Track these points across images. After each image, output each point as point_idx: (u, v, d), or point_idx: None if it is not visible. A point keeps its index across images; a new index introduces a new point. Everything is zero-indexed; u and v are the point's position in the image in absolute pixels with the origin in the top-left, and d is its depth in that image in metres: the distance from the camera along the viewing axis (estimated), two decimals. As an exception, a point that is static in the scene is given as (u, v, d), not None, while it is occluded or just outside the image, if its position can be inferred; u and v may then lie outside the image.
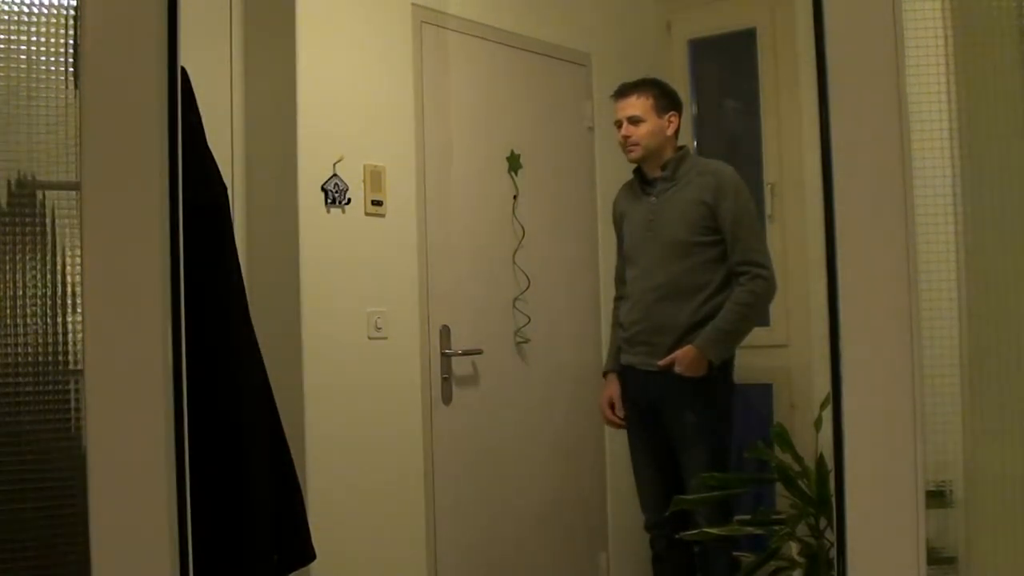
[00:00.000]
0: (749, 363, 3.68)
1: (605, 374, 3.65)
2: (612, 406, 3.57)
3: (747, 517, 3.13)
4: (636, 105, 3.42)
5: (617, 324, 3.60)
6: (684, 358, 3.29)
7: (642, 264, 3.46)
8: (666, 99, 3.45)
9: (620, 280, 3.63)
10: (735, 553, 3.39)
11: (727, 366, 3.39)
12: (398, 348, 3.47)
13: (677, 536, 3.24)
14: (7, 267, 1.38)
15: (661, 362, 3.33)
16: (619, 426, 3.60)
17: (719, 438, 3.36)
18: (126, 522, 1.30)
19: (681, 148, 3.49)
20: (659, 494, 3.43)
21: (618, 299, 3.64)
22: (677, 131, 3.47)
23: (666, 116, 3.43)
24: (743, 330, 3.35)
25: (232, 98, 3.23)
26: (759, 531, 3.04)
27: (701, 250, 3.33)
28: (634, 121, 3.42)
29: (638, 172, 3.53)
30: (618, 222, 3.64)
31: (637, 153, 3.44)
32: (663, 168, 3.44)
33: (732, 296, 3.30)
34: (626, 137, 3.43)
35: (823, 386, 2.79)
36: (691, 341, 3.31)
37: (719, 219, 3.31)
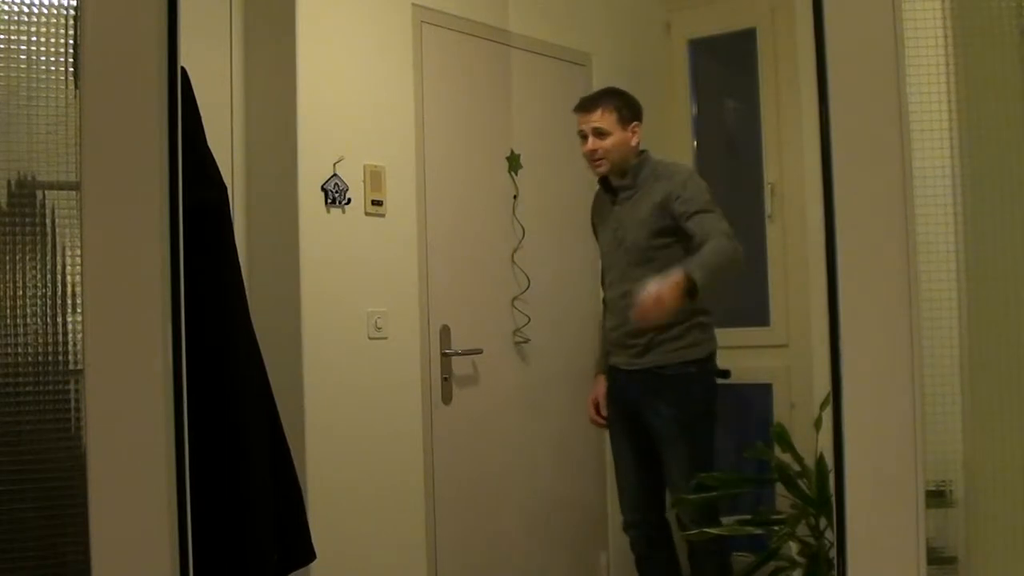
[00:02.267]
0: (749, 363, 3.68)
1: (596, 376, 3.67)
2: (597, 406, 3.59)
3: (747, 517, 3.13)
4: (601, 119, 3.42)
5: (603, 327, 3.63)
6: (663, 285, 3.04)
7: (614, 272, 3.49)
8: (628, 110, 3.45)
9: (603, 284, 3.65)
10: (735, 553, 3.38)
11: (707, 363, 3.38)
12: (398, 348, 3.46)
13: (683, 533, 3.25)
14: (7, 267, 1.38)
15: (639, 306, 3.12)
16: (602, 425, 3.63)
17: (699, 434, 3.35)
18: (126, 522, 1.30)
19: (642, 153, 3.48)
20: (638, 494, 3.47)
21: (604, 302, 3.66)
22: (639, 140, 3.47)
23: (629, 127, 3.44)
24: (721, 267, 3.14)
25: (232, 98, 3.23)
26: (759, 531, 3.05)
27: (662, 254, 3.31)
28: (599, 134, 3.41)
29: (604, 182, 3.53)
30: (596, 231, 3.67)
31: (604, 168, 3.45)
32: (624, 176, 3.45)
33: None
34: (592, 151, 3.43)
35: (823, 386, 2.79)
36: (664, 340, 3.31)
37: (675, 217, 3.29)
